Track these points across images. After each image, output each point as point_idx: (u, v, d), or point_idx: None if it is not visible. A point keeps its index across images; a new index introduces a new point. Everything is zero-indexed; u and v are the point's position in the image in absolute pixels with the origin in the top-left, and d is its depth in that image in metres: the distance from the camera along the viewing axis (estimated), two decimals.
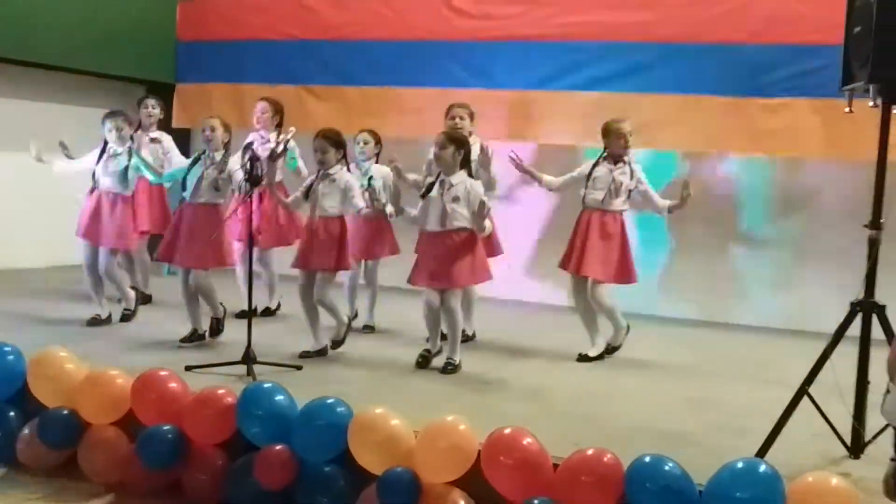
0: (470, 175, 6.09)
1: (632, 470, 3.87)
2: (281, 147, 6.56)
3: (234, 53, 9.69)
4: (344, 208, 6.27)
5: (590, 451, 3.98)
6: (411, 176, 6.94)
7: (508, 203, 8.59)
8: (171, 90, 10.01)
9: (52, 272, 9.04)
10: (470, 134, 6.66)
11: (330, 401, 4.47)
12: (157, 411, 4.69)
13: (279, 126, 7.50)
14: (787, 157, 8.09)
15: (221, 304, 6.63)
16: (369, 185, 6.54)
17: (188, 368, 5.55)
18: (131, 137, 7.06)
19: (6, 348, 5.11)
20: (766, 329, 8.03)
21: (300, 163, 7.61)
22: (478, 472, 4.11)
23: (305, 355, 6.22)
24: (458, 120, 6.73)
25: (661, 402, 5.53)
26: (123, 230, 6.96)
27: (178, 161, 7.37)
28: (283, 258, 7.08)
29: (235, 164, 6.38)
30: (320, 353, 6.30)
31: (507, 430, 4.12)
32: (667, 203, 6.52)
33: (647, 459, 3.86)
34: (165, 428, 4.62)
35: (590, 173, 6.53)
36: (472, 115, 6.85)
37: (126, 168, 6.89)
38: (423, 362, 6.15)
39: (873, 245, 4.52)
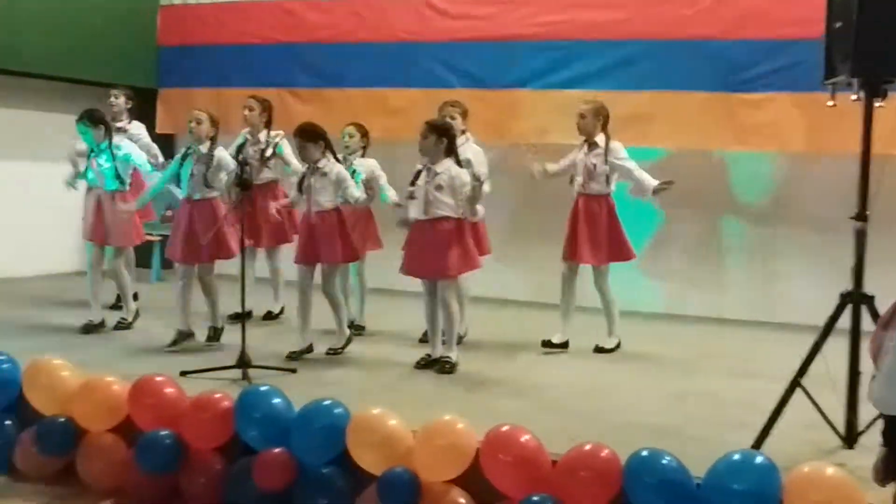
0: (458, 164, 6.05)
1: (629, 464, 3.90)
2: (270, 150, 6.57)
3: (216, 58, 9.70)
4: (340, 199, 6.27)
5: (587, 447, 4.00)
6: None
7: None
8: (154, 95, 9.99)
9: (39, 281, 8.99)
10: (463, 132, 6.68)
11: (327, 402, 4.48)
12: (155, 417, 4.69)
13: (268, 125, 7.49)
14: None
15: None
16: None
17: (183, 374, 5.53)
18: (108, 135, 6.97)
19: (0, 357, 5.10)
20: (754, 322, 8.07)
21: (294, 163, 7.36)
22: (477, 470, 4.13)
23: (292, 356, 6.21)
24: (448, 119, 6.71)
25: (654, 396, 5.57)
26: (127, 227, 6.99)
27: (145, 144, 7.52)
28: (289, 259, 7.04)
29: (226, 161, 6.44)
30: (307, 350, 6.29)
31: (505, 428, 4.15)
32: (654, 182, 6.49)
33: (645, 454, 3.90)
34: (163, 433, 4.62)
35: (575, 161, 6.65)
36: (464, 113, 6.86)
37: (114, 166, 6.89)
38: (424, 365, 6.11)
39: (860, 237, 4.57)
